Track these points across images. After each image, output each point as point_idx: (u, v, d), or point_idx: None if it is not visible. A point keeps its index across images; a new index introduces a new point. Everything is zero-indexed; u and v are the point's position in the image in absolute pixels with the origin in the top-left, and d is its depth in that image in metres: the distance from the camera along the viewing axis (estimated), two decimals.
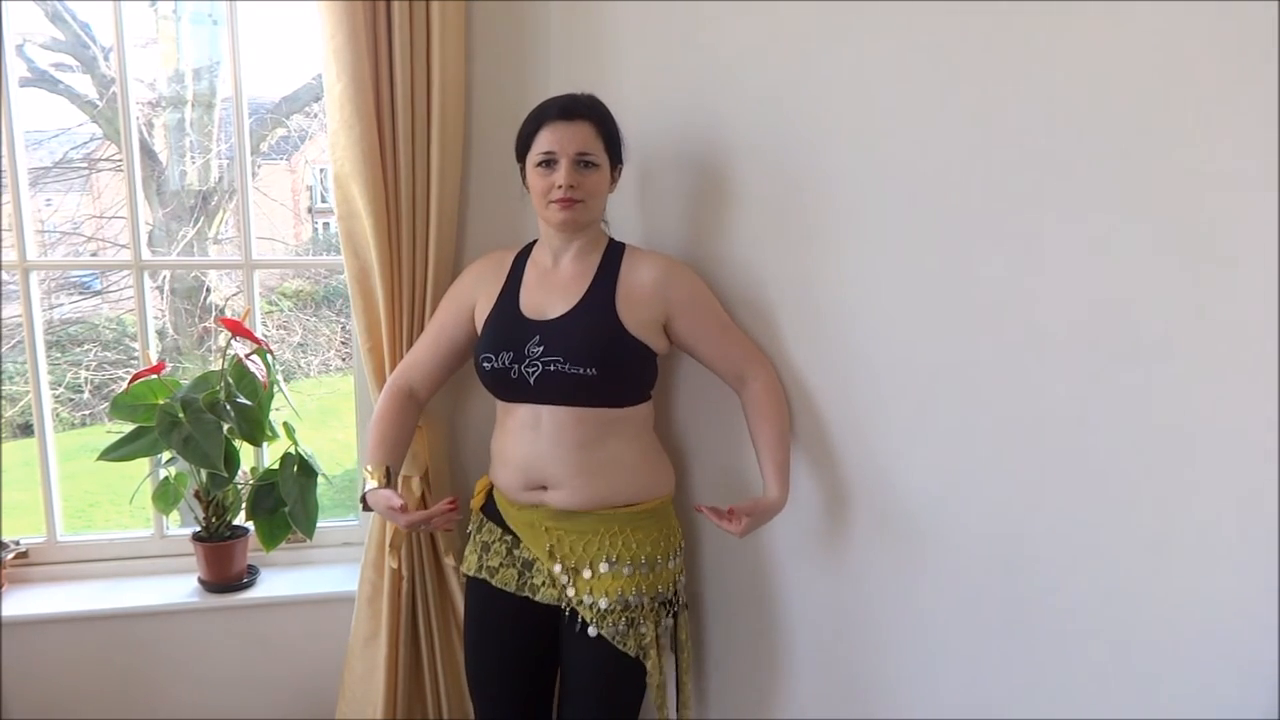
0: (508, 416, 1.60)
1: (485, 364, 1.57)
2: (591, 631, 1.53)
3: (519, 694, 1.67)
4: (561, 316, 1.55)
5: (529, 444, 1.55)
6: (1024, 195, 1.24)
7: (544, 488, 1.56)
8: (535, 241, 1.67)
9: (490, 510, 1.67)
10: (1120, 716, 1.21)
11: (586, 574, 1.55)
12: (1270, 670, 1.06)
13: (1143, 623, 1.18)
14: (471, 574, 1.68)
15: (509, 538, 1.63)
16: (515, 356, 1.53)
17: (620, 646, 1.53)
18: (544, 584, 1.59)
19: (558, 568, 1.56)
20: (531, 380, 1.52)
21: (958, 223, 1.32)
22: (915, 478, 1.45)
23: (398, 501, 1.57)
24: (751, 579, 1.75)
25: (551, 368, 1.51)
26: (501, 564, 1.63)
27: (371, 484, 1.62)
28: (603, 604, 1.53)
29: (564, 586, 1.56)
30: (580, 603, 1.55)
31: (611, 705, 1.58)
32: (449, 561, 1.94)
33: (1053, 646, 1.29)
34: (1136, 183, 1.12)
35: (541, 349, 1.52)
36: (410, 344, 1.87)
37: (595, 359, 1.50)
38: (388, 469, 1.64)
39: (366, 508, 1.64)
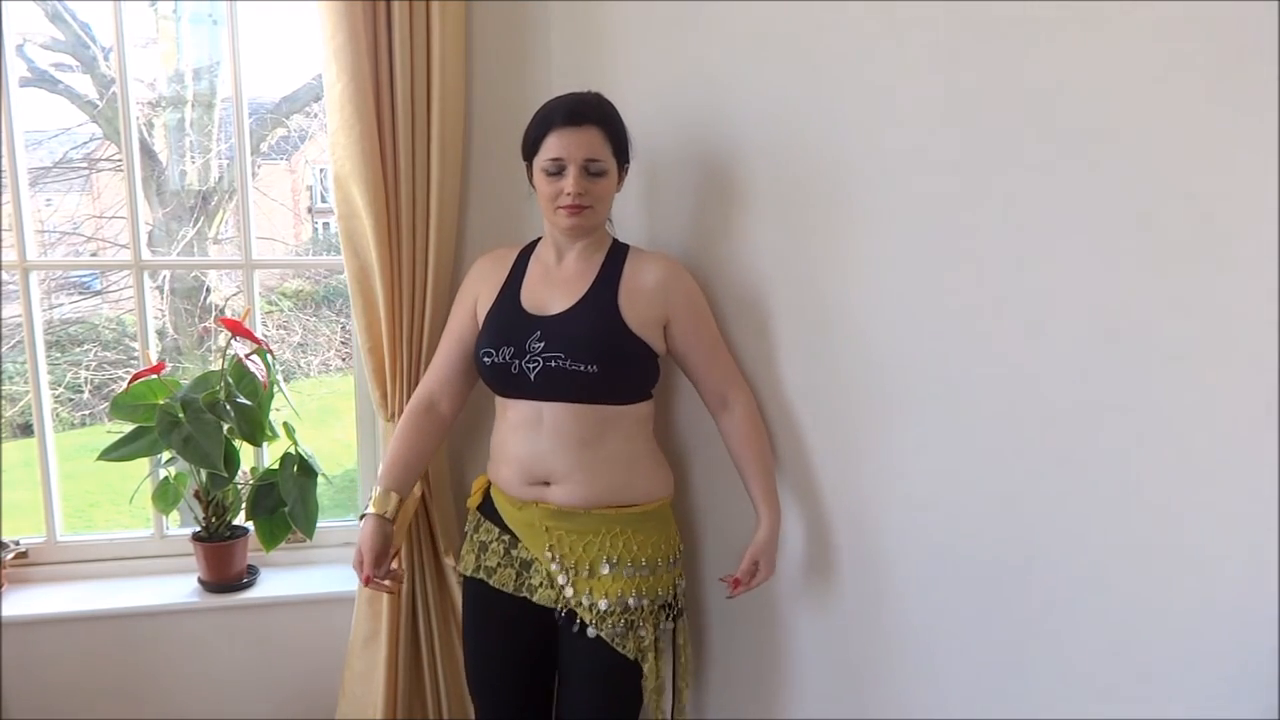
0: (507, 411, 1.59)
1: (485, 359, 1.57)
2: (590, 633, 1.53)
3: (520, 693, 1.67)
4: (564, 312, 1.55)
5: (530, 441, 1.54)
6: (1028, 195, 1.24)
7: (546, 483, 1.55)
8: (540, 239, 1.67)
9: (488, 510, 1.67)
10: (1120, 716, 1.21)
11: (586, 575, 1.55)
12: (1270, 670, 1.06)
13: (1143, 623, 1.18)
14: (469, 574, 1.67)
15: (507, 537, 1.62)
16: (516, 352, 1.53)
17: (619, 649, 1.53)
18: (541, 585, 1.58)
19: (556, 567, 1.56)
20: (532, 376, 1.52)
21: (962, 221, 1.32)
22: (922, 481, 1.44)
23: (377, 553, 1.62)
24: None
25: (553, 364, 1.50)
26: (499, 564, 1.63)
27: (372, 510, 1.63)
28: (602, 605, 1.53)
29: (562, 587, 1.56)
30: (580, 604, 1.54)
31: (610, 706, 1.57)
32: (449, 561, 1.94)
33: (1053, 647, 1.29)
34: (1140, 182, 1.12)
35: (543, 345, 1.52)
36: (410, 344, 1.88)
37: (597, 356, 1.50)
38: (397, 500, 1.64)
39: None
